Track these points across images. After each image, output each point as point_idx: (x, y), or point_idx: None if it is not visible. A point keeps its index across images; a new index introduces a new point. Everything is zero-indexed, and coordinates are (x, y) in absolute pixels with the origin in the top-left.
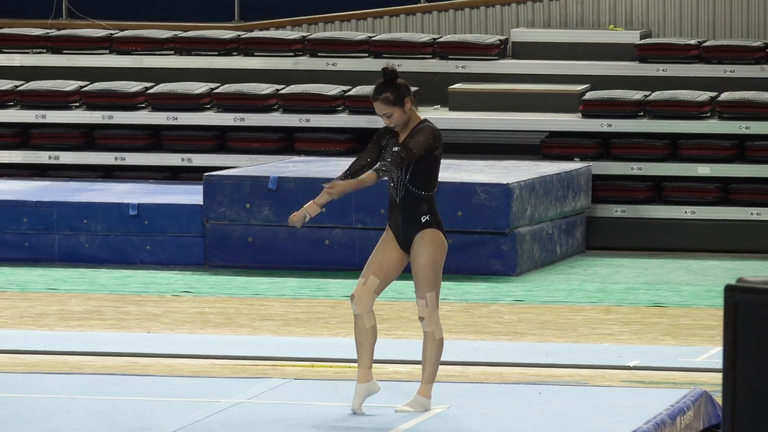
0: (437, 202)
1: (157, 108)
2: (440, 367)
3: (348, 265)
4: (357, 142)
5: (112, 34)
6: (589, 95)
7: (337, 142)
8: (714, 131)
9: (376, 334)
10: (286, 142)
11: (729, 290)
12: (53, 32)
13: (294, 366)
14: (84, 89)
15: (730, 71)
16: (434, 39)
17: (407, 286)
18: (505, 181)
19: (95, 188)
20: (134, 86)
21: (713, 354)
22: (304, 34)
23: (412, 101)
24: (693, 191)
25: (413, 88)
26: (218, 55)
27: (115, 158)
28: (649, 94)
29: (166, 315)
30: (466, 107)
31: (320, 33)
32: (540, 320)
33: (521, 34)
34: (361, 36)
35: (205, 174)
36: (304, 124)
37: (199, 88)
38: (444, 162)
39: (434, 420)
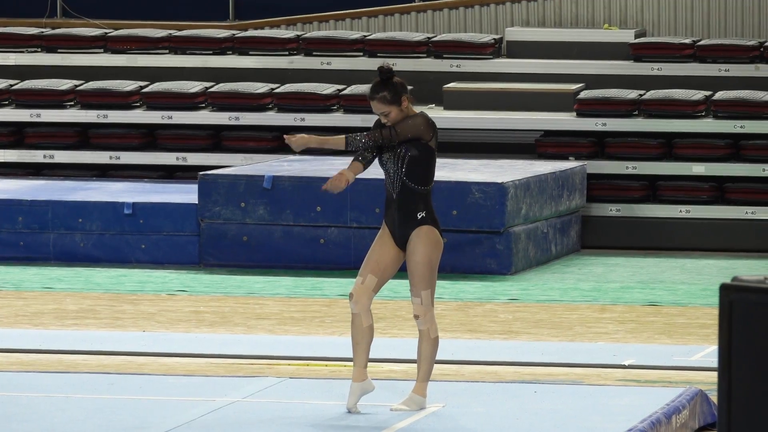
0: (433, 201)
1: (151, 107)
2: (435, 365)
3: (343, 264)
4: None
5: (106, 33)
6: (583, 94)
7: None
8: (709, 130)
9: (373, 333)
10: (281, 140)
11: (724, 289)
12: (48, 31)
13: (289, 365)
14: (79, 88)
15: (725, 70)
16: (429, 38)
17: (402, 285)
18: (500, 180)
19: (90, 187)
20: (129, 85)
21: (708, 353)
22: (299, 33)
23: (409, 99)
24: (688, 190)
25: (408, 87)
26: (213, 54)
27: (110, 157)
28: (644, 93)
29: (161, 314)
30: (460, 106)
31: (315, 32)
32: (535, 319)
33: (516, 33)
34: (355, 35)
35: (200, 173)
36: (299, 123)
37: (194, 87)
38: (439, 161)
39: (429, 419)
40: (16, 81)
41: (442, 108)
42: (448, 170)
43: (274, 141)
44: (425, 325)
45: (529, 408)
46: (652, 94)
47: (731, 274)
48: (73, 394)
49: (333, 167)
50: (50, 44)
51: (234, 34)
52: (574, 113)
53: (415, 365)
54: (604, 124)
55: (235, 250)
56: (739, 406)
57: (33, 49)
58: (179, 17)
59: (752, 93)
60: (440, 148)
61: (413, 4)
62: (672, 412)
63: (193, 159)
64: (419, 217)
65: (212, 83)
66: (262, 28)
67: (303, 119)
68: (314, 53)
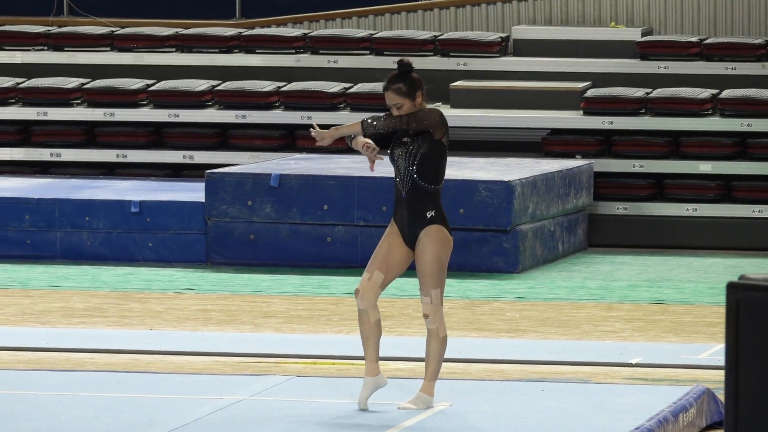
0: (441, 199)
1: (158, 105)
2: (443, 364)
3: (350, 262)
4: None
5: (113, 32)
6: (590, 92)
7: (339, 140)
8: (715, 128)
9: (381, 328)
10: (288, 139)
11: (731, 287)
12: (54, 29)
13: (296, 363)
14: (85, 86)
15: (732, 68)
16: (435, 36)
17: (409, 284)
18: (506, 179)
19: (97, 185)
20: (136, 83)
21: (715, 351)
22: (306, 31)
23: (424, 97)
24: (694, 188)
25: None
26: (220, 52)
27: (117, 155)
28: (651, 92)
29: (169, 312)
30: (467, 104)
31: (321, 30)
32: (542, 317)
33: (523, 32)
34: (362, 33)
35: (207, 171)
36: (305, 121)
37: (201, 85)
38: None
39: (437, 417)
40: (22, 79)
41: (448, 106)
42: (455, 168)
43: (280, 139)
44: (434, 324)
45: (536, 406)
46: (658, 92)
47: (738, 273)
48: (80, 392)
49: (340, 165)
50: (57, 42)
51: (241, 33)
52: (581, 111)
53: (422, 364)
54: (611, 123)
55: (242, 249)
56: (746, 404)
57: (40, 48)
58: (186, 15)
59: (759, 91)
60: (447, 147)
61: (420, 2)
62: (679, 410)
63: (200, 157)
64: (428, 216)
65: (219, 81)
66: (269, 26)
67: (310, 117)
68: (321, 51)
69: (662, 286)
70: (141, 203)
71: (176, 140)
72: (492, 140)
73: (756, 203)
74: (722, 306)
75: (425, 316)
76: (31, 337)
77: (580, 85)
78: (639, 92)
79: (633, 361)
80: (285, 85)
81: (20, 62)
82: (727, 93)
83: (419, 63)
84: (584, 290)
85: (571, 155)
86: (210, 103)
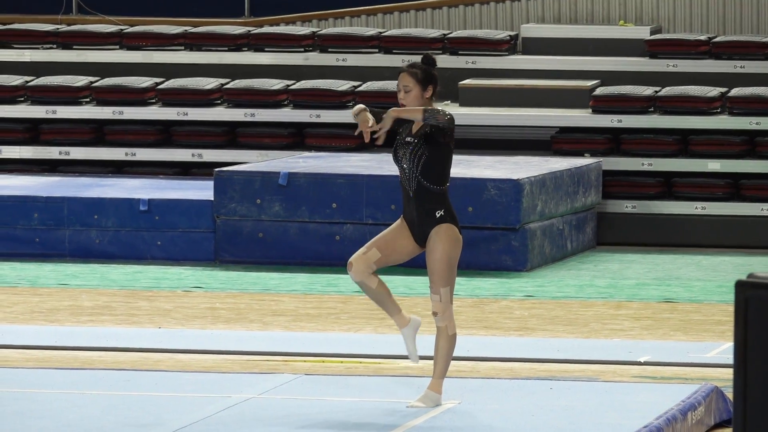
0: (449, 197)
1: (167, 103)
2: (451, 362)
3: None
4: None
5: (122, 30)
6: (599, 91)
7: (348, 138)
8: (724, 127)
9: (386, 286)
10: (297, 137)
11: (740, 286)
12: (63, 28)
13: (305, 361)
14: (94, 85)
15: (741, 67)
16: (444, 35)
17: (418, 282)
18: (515, 177)
19: (106, 184)
20: (144, 82)
21: (724, 349)
22: (314, 29)
23: (434, 93)
24: (703, 187)
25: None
26: (228, 50)
27: (126, 154)
28: (660, 90)
29: (177, 310)
30: (476, 103)
31: (330, 29)
32: (551, 316)
33: (531, 30)
34: (371, 31)
35: (216, 169)
36: (314, 119)
37: (210, 83)
38: (454, 157)
39: (445, 415)
40: (31, 77)
41: (457, 104)
42: (463, 167)
43: (289, 137)
44: (443, 322)
45: (545, 405)
46: (667, 90)
47: (747, 271)
48: (88, 390)
49: (349, 163)
50: (66, 41)
51: (249, 31)
52: (590, 110)
53: (431, 362)
54: (620, 121)
55: (250, 247)
56: (754, 403)
57: (48, 46)
58: (195, 14)
59: None
60: (456, 145)
61: (428, 0)
62: (688, 408)
63: (209, 155)
64: (438, 215)
65: (228, 80)
66: (278, 24)
67: (318, 116)
68: (329, 50)
69: (671, 285)
70: (150, 201)
71: (185, 138)
72: (501, 138)
73: (765, 201)
74: (731, 304)
75: (434, 313)
76: (40, 335)
77: (589, 83)
78: (648, 90)
79: (641, 360)
80: (294, 84)
81: (29, 60)
82: (736, 91)
83: None
84: (593, 288)
85: (579, 153)
86: (219, 102)
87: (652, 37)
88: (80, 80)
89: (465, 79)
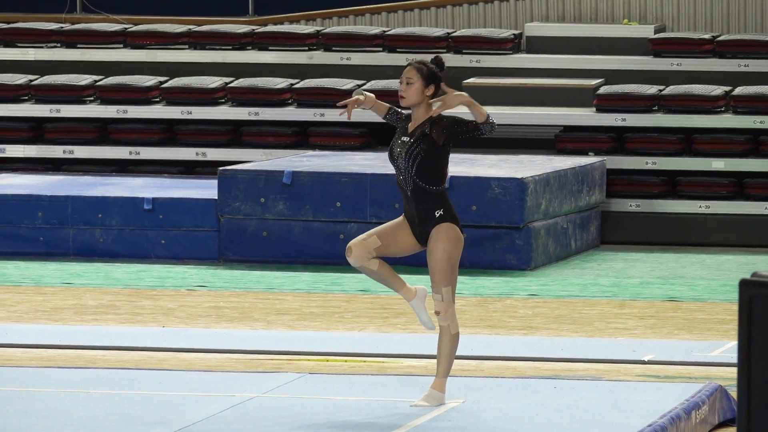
0: (452, 196)
1: (171, 102)
2: (455, 361)
3: None
4: (372, 136)
5: (126, 29)
6: (603, 90)
7: (352, 137)
8: (728, 126)
9: (387, 264)
10: (301, 136)
11: (744, 284)
12: (67, 26)
13: (309, 360)
14: (98, 83)
15: (745, 65)
16: (448, 33)
17: (421, 281)
18: (519, 176)
19: (110, 182)
20: (148, 80)
21: (728, 348)
22: (319, 28)
23: (434, 94)
24: (707, 186)
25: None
26: (232, 49)
27: (130, 152)
28: (664, 89)
29: (181, 309)
30: (480, 101)
31: (334, 27)
32: (555, 315)
33: (535, 29)
34: (375, 30)
35: (220, 168)
36: (318, 118)
37: (214, 82)
38: (458, 156)
39: (449, 414)
40: (35, 76)
41: None
42: (467, 165)
43: (293, 136)
44: (446, 322)
45: (549, 404)
46: (671, 89)
47: (751, 270)
48: (92, 389)
49: (353, 162)
50: (70, 39)
51: (253, 30)
52: (594, 108)
53: (435, 361)
54: (624, 120)
55: (254, 246)
56: (758, 401)
57: (52, 45)
58: (199, 12)
59: None
60: (460, 143)
61: None
62: (692, 407)
63: (213, 154)
64: (437, 215)
65: (232, 78)
66: (282, 23)
67: (323, 114)
68: (334, 48)
69: (675, 283)
70: (154, 200)
71: (189, 137)
72: (505, 137)
73: None
74: (735, 303)
75: (437, 313)
76: (44, 334)
77: (593, 82)
78: (652, 89)
79: (645, 359)
80: (298, 82)
81: (33, 59)
82: (740, 90)
83: None
84: (597, 287)
85: (583, 152)
86: (223, 100)
87: (656, 35)
88: (84, 79)
89: (469, 78)
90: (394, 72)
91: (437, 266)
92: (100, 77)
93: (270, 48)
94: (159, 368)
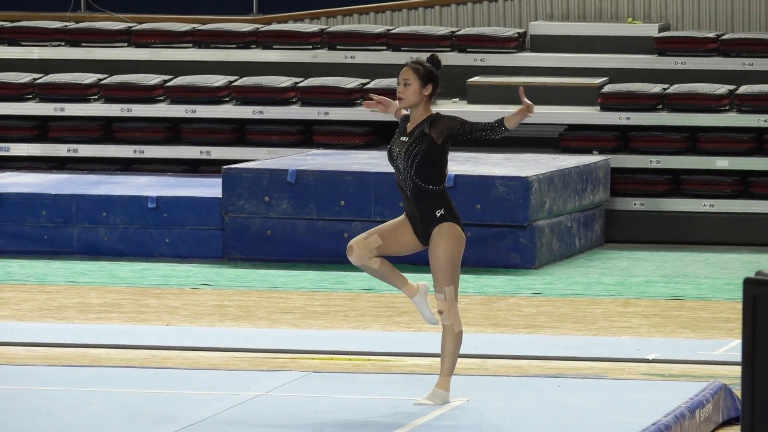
0: (456, 195)
1: (175, 101)
2: (459, 360)
3: None
4: (376, 135)
5: (130, 27)
6: (607, 88)
7: (356, 135)
8: (732, 124)
9: (388, 262)
10: (305, 135)
11: (748, 283)
12: (72, 25)
13: (313, 359)
14: (102, 82)
15: (749, 64)
16: (453, 32)
17: (424, 279)
18: (523, 174)
19: (114, 181)
20: (153, 79)
21: (732, 347)
22: (323, 27)
23: (433, 93)
24: (712, 184)
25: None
26: (237, 47)
27: (134, 151)
28: (668, 88)
29: (185, 308)
30: (484, 100)
31: (339, 26)
32: (559, 313)
33: (540, 27)
34: (379, 29)
35: (224, 167)
36: (322, 117)
37: (218, 80)
38: (462, 155)
39: (453, 413)
40: (39, 75)
41: (465, 102)
42: (471, 164)
43: (297, 135)
44: (449, 320)
45: (553, 402)
46: (675, 88)
47: (755, 269)
48: (97, 388)
49: (357, 161)
50: (74, 38)
51: (258, 28)
52: (598, 107)
53: (439, 359)
54: (628, 118)
55: (258, 244)
56: (762, 400)
57: (57, 43)
58: (203, 11)
59: None
60: (464, 142)
61: None
62: (696, 406)
63: (217, 153)
64: (438, 214)
65: (236, 77)
66: (286, 22)
67: (327, 113)
68: (338, 47)
69: (679, 282)
70: (158, 199)
71: (193, 136)
72: (509, 136)
73: None
74: (739, 302)
75: (440, 312)
76: (48, 332)
77: (597, 80)
78: (656, 88)
79: (650, 357)
80: (302, 81)
81: (37, 58)
82: (744, 89)
83: None
84: (601, 286)
85: (588, 151)
86: (227, 99)
87: (661, 34)
88: (88, 77)
89: (473, 77)
90: (398, 71)
91: (439, 266)
92: (105, 76)
93: (274, 47)
94: (163, 367)
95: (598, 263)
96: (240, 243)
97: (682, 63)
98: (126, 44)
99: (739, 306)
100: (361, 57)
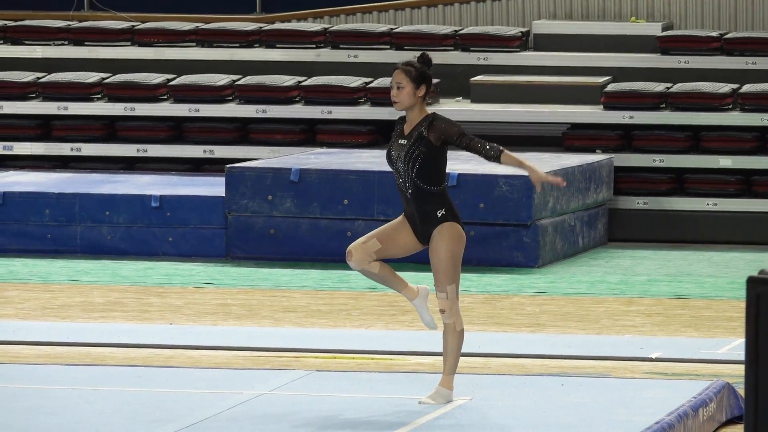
0: (459, 194)
1: (178, 100)
2: (463, 358)
3: None
4: (379, 134)
5: (133, 26)
6: (610, 87)
7: (359, 134)
8: (736, 123)
9: (388, 265)
10: (308, 133)
11: (751, 282)
12: (75, 24)
13: (316, 357)
14: (106, 81)
15: (752, 63)
16: (456, 31)
17: (426, 279)
18: (527, 173)
19: (117, 180)
20: (156, 78)
21: (735, 346)
22: (326, 26)
23: (427, 93)
24: (715, 183)
25: (435, 80)
26: (240, 46)
27: (137, 150)
28: (671, 86)
29: (189, 306)
30: (487, 99)
31: (342, 25)
32: (562, 312)
33: (543, 26)
34: (382, 28)
35: (227, 166)
36: (326, 115)
37: (221, 79)
38: (466, 154)
39: (457, 411)
40: (43, 74)
41: (469, 101)
42: (475, 163)
43: (301, 134)
44: (451, 319)
45: (556, 401)
46: (679, 87)
47: (758, 267)
48: (100, 386)
49: (360, 159)
50: (77, 37)
51: (261, 27)
52: (601, 106)
53: (442, 358)
54: (631, 117)
55: (262, 243)
56: (766, 399)
57: (60, 42)
58: (206, 10)
59: None
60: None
61: None
62: (699, 405)
63: (220, 152)
64: (439, 215)
65: (239, 76)
66: (289, 21)
67: (330, 112)
68: (341, 46)
69: (682, 281)
70: (161, 198)
71: (196, 135)
72: (512, 135)
73: None
74: (742, 301)
75: (442, 311)
76: (51, 331)
77: (601, 79)
78: (659, 87)
79: (653, 356)
80: (305, 80)
81: (41, 57)
82: (747, 88)
83: (440, 57)
84: (604, 285)
85: (591, 150)
86: (230, 98)
87: (664, 33)
88: (92, 77)
89: (476, 76)
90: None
91: (441, 265)
92: (108, 75)
93: (277, 45)
94: (166, 365)
95: (601, 262)
96: (243, 242)
97: (685, 62)
98: (129, 43)
99: (743, 305)
100: (365, 56)
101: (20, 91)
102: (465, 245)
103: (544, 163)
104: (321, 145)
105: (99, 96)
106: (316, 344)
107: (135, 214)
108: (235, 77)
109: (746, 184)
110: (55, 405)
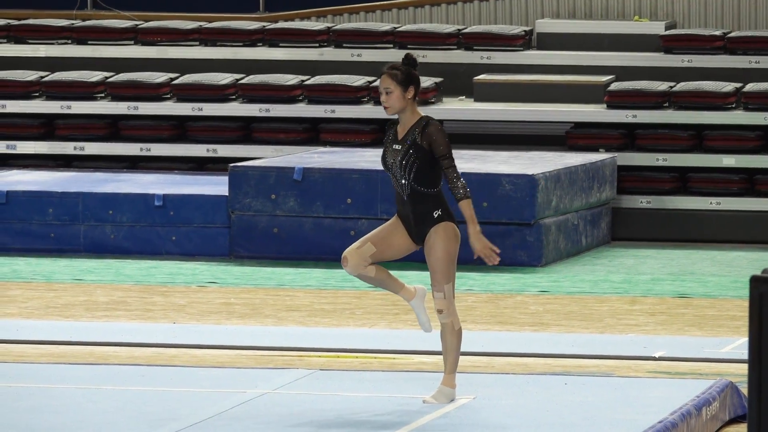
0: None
1: (182, 99)
2: (466, 357)
3: None
4: (382, 132)
5: (136, 25)
6: (614, 86)
7: (362, 133)
8: (739, 122)
9: (384, 269)
10: (312, 132)
11: (754, 281)
12: (78, 23)
13: (320, 356)
14: (109, 80)
15: (755, 62)
16: (459, 30)
17: (425, 279)
18: (530, 172)
19: (120, 179)
20: (159, 77)
21: (739, 345)
22: (329, 24)
23: (416, 94)
24: (718, 182)
25: (438, 79)
26: (243, 45)
27: (141, 149)
28: (674, 85)
29: (192, 306)
30: (491, 98)
31: (345, 24)
32: (565, 311)
33: (546, 25)
34: (385, 27)
35: (231, 165)
36: (329, 114)
37: (224, 78)
38: (469, 153)
39: (460, 410)
40: (46, 73)
41: (472, 100)
42: (478, 162)
43: (304, 133)
44: (448, 318)
45: (560, 400)
46: (682, 85)
47: (761, 266)
48: (103, 385)
49: (364, 158)
50: (81, 36)
51: (264, 26)
52: (605, 105)
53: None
54: (635, 116)
55: (265, 242)
56: None
57: (63, 41)
58: (209, 9)
59: None
60: (471, 140)
61: None
62: (702, 404)
63: (224, 151)
64: (435, 215)
65: (243, 75)
66: (293, 19)
67: (333, 111)
68: (344, 45)
69: (686, 280)
70: (164, 197)
71: (200, 134)
72: (515, 134)
73: None
74: (746, 300)
75: (439, 311)
76: (55, 330)
77: (604, 78)
78: (662, 86)
79: (656, 355)
80: (308, 79)
81: (44, 56)
82: (750, 87)
83: (443, 56)
84: (608, 284)
85: (594, 149)
86: (233, 97)
87: (667, 32)
88: (95, 75)
89: (480, 75)
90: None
91: (437, 265)
92: (111, 74)
93: (281, 45)
94: (170, 365)
95: (604, 261)
96: (247, 241)
97: (688, 61)
98: (132, 42)
99: (746, 304)
100: (368, 55)
101: (23, 90)
102: (460, 243)
103: (547, 162)
104: (324, 144)
105: (102, 95)
106: (320, 343)
107: (138, 213)
108: (238, 76)
109: (750, 183)
110: (59, 404)
